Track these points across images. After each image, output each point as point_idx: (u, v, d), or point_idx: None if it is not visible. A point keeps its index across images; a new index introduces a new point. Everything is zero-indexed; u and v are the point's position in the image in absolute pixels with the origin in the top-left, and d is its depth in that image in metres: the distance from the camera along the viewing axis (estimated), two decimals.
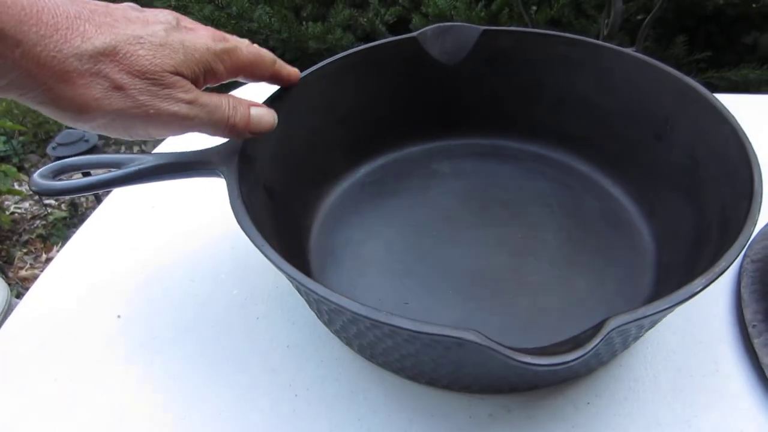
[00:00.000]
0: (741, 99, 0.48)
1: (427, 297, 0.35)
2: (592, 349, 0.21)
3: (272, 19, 1.02)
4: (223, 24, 1.01)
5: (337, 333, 0.32)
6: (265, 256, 0.26)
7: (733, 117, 0.32)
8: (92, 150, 1.50)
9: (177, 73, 0.28)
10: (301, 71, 0.39)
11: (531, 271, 0.36)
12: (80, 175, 0.34)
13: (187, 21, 0.31)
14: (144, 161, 0.33)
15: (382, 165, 0.46)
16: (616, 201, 0.41)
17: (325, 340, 0.34)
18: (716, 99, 0.34)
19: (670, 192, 0.37)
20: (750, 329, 0.32)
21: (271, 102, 0.37)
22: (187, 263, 0.40)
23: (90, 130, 0.28)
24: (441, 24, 0.44)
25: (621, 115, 0.41)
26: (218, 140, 0.34)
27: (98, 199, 1.58)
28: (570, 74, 0.43)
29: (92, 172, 0.34)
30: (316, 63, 0.40)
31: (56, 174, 0.34)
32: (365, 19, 1.30)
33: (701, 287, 0.24)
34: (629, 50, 0.40)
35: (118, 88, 0.26)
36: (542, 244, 0.38)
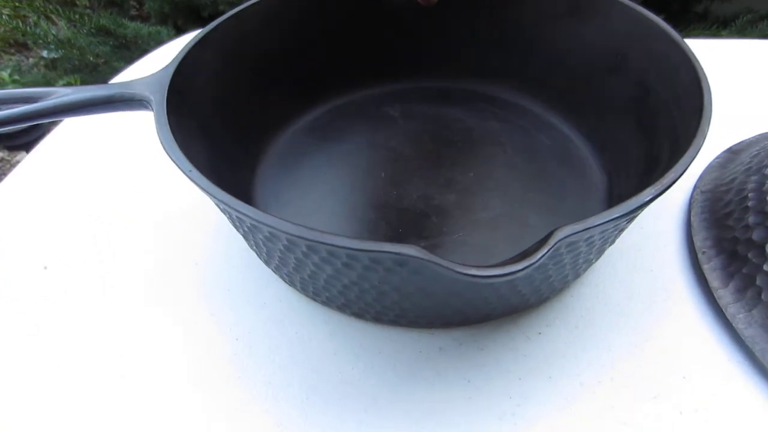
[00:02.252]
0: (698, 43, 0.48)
1: (376, 237, 0.34)
2: (539, 259, 0.20)
3: None
4: None
5: (278, 270, 0.30)
6: (193, 181, 0.24)
7: (684, 42, 0.32)
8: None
9: None
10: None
11: (482, 208, 0.35)
12: None
13: None
14: (63, 94, 0.31)
15: (330, 110, 0.44)
16: (567, 139, 0.40)
17: (268, 282, 0.32)
18: (667, 25, 0.33)
19: (621, 124, 0.36)
20: (700, 255, 0.31)
21: (203, 35, 0.35)
22: (119, 210, 0.37)
23: None
24: None
25: (573, 51, 0.40)
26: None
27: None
28: (521, 11, 0.41)
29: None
30: None
31: None
32: None
33: (651, 197, 0.23)
34: None
35: None
36: (494, 182, 0.37)
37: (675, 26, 0.33)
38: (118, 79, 0.50)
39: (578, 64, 0.39)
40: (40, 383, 0.28)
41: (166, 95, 0.30)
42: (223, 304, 0.31)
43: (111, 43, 1.03)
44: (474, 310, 0.27)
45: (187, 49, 0.33)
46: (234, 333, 0.30)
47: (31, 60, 1.78)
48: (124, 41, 1.03)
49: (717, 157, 0.38)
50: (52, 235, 0.36)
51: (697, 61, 0.30)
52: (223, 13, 0.37)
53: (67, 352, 0.29)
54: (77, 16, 1.03)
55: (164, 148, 0.26)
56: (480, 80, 0.44)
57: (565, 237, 0.21)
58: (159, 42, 1.04)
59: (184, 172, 0.25)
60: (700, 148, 0.25)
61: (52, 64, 1.60)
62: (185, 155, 0.26)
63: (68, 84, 1.55)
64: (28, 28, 1.31)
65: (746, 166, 0.35)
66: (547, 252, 0.21)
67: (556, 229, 0.21)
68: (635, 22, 0.35)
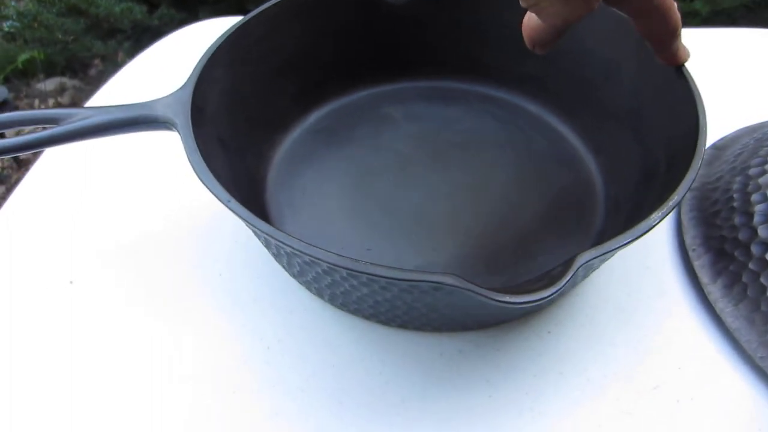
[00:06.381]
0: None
1: (388, 241, 0.36)
2: (564, 284, 0.23)
3: None
4: None
5: (306, 284, 0.32)
6: (234, 212, 0.26)
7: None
8: (2, 105, 1.37)
9: None
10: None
11: (487, 210, 0.37)
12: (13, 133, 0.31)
13: None
14: (85, 116, 0.31)
15: (332, 111, 0.45)
16: (564, 140, 0.42)
17: (293, 291, 0.34)
18: None
19: (617, 129, 0.38)
20: (690, 253, 0.34)
21: (215, 50, 0.35)
22: (142, 225, 0.38)
23: None
24: None
25: (570, 56, 0.41)
26: (163, 92, 0.32)
27: (18, 164, 1.46)
28: (519, 14, 0.42)
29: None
30: (253, 9, 0.38)
31: None
32: None
33: (658, 220, 0.25)
34: None
35: None
36: (496, 184, 0.39)
37: None
38: (109, 87, 0.50)
39: (574, 68, 0.41)
40: (73, 400, 0.30)
41: (190, 116, 0.30)
42: (252, 314, 0.33)
43: (82, 21, 1.00)
44: (494, 318, 0.30)
45: (201, 67, 0.34)
46: (265, 342, 0.32)
47: None
48: (96, 20, 1.00)
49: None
50: (75, 249, 0.37)
51: (691, 77, 0.32)
52: None
53: (98, 367, 0.31)
54: None
55: (199, 176, 0.27)
56: (478, 80, 0.45)
57: (586, 262, 0.23)
58: (132, 18, 1.02)
59: (223, 203, 0.26)
60: (698, 169, 0.27)
61: (11, 37, 1.53)
62: (218, 181, 0.27)
63: (32, 57, 1.50)
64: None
65: (731, 165, 0.37)
66: (571, 277, 0.23)
67: (577, 255, 0.24)
68: (629, 34, 0.37)
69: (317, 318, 0.33)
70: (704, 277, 0.33)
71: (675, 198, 0.26)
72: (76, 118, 0.31)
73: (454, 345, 0.31)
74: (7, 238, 0.38)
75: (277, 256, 0.31)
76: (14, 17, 1.22)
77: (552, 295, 0.22)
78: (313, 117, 0.44)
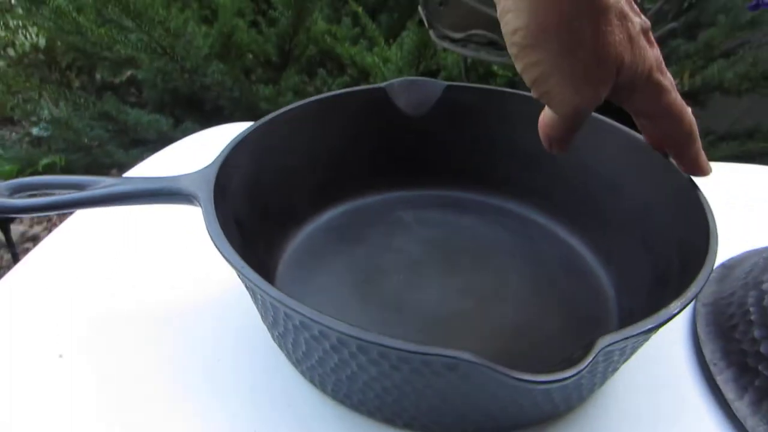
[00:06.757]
0: None
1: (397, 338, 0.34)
2: (587, 365, 0.22)
3: (225, 77, 1.03)
4: (175, 78, 1.01)
5: (310, 371, 0.30)
6: (247, 278, 0.25)
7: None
8: None
9: (617, 70, 0.27)
10: None
11: (499, 315, 0.37)
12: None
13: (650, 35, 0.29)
14: (111, 183, 0.32)
15: (346, 211, 0.45)
16: (573, 250, 0.42)
17: (294, 384, 0.32)
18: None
19: (625, 239, 0.39)
20: (712, 368, 0.33)
21: (242, 137, 0.37)
22: (139, 301, 0.38)
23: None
24: (408, 77, 0.46)
25: (576, 170, 0.43)
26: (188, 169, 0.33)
27: (15, 259, 1.47)
28: (529, 131, 0.45)
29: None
30: None
31: (13, 192, 0.32)
32: (313, 87, 1.33)
33: (678, 309, 0.25)
34: None
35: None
36: (507, 290, 0.39)
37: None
38: (132, 172, 0.52)
39: (579, 183, 0.42)
40: None
41: (212, 192, 0.31)
42: (247, 404, 0.31)
43: (110, 127, 1.06)
44: (507, 417, 0.28)
45: (228, 150, 0.35)
46: None
47: (14, 135, 1.80)
48: (123, 126, 1.05)
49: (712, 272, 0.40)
50: (69, 327, 0.35)
51: (699, 189, 0.33)
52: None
53: None
54: (82, 100, 1.06)
55: (216, 244, 0.27)
56: (490, 192, 0.47)
57: (607, 345, 0.23)
58: (158, 130, 1.08)
59: (245, 276, 0.26)
60: (714, 264, 0.27)
61: (37, 142, 1.61)
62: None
63: (52, 162, 1.56)
64: (19, 104, 1.33)
65: (743, 281, 0.37)
66: (593, 359, 0.22)
67: (597, 339, 0.23)
68: (630, 146, 0.39)
69: (317, 414, 0.31)
70: (729, 392, 0.31)
71: (693, 289, 0.25)
72: (102, 185, 0.32)
73: None
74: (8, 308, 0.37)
75: (283, 336, 0.29)
76: (47, 121, 1.28)
77: (572, 377, 0.21)
78: (327, 215, 0.45)
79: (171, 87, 1.06)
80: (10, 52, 1.70)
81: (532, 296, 0.38)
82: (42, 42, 1.68)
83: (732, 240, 0.43)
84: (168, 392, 0.32)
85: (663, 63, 0.29)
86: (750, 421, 0.30)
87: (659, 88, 0.29)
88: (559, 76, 0.27)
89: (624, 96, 0.29)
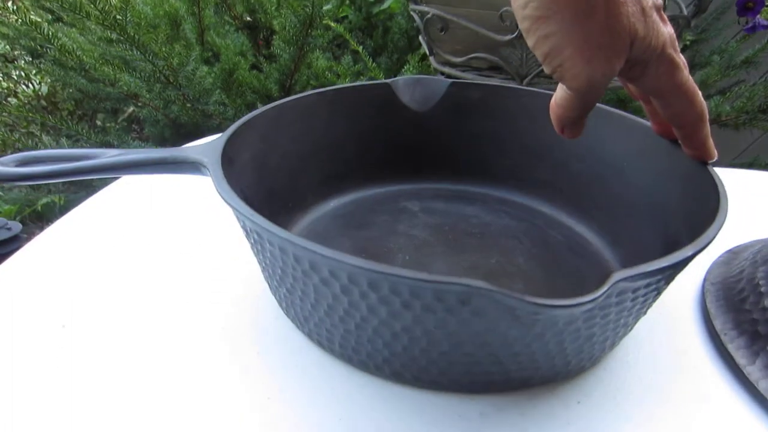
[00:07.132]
0: None
1: None
2: (602, 294, 0.21)
3: (227, 108, 1.05)
4: (177, 106, 1.02)
5: (317, 327, 0.30)
6: (257, 225, 0.25)
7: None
8: (13, 239, 1.40)
9: (630, 43, 0.27)
10: None
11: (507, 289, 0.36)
12: None
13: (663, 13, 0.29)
14: (116, 153, 0.32)
15: (351, 201, 0.46)
16: (579, 235, 0.42)
17: (300, 346, 0.32)
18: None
19: (632, 221, 0.39)
20: (723, 337, 0.32)
21: (251, 117, 0.37)
22: (146, 272, 0.37)
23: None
24: (413, 75, 0.47)
25: (580, 157, 0.43)
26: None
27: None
28: (532, 124, 0.46)
29: None
30: None
31: (19, 164, 0.32)
32: None
33: (692, 252, 0.25)
34: None
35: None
36: (515, 268, 0.38)
37: None
38: None
39: (582, 169, 0.43)
40: None
41: (220, 159, 0.31)
42: (253, 366, 0.30)
43: None
44: (518, 368, 0.27)
45: (236, 127, 0.36)
46: (265, 394, 0.29)
47: None
48: None
49: (720, 256, 0.40)
50: (73, 293, 0.35)
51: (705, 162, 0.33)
52: None
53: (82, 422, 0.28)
54: (84, 131, 1.07)
55: (223, 197, 0.27)
56: (495, 184, 0.47)
57: (622, 279, 0.22)
58: None
59: (245, 216, 0.26)
60: (726, 213, 0.27)
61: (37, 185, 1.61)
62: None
63: (52, 201, 1.56)
64: (21, 139, 1.33)
65: (751, 261, 0.37)
66: (608, 289, 0.22)
67: (613, 272, 0.23)
68: (637, 131, 0.39)
69: (326, 375, 0.30)
70: (741, 359, 0.31)
71: (709, 233, 0.26)
72: (108, 155, 0.32)
73: (474, 407, 0.28)
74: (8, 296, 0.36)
75: (290, 293, 0.29)
76: None
77: (587, 302, 0.21)
78: (333, 203, 0.45)
79: (173, 117, 1.07)
80: (12, 101, 1.72)
81: (539, 273, 0.38)
82: (44, 89, 1.71)
83: (738, 230, 0.43)
84: (180, 362, 0.31)
85: (676, 41, 0.29)
86: (763, 383, 0.29)
87: (673, 65, 0.29)
88: (571, 48, 0.26)
89: (637, 72, 0.29)
